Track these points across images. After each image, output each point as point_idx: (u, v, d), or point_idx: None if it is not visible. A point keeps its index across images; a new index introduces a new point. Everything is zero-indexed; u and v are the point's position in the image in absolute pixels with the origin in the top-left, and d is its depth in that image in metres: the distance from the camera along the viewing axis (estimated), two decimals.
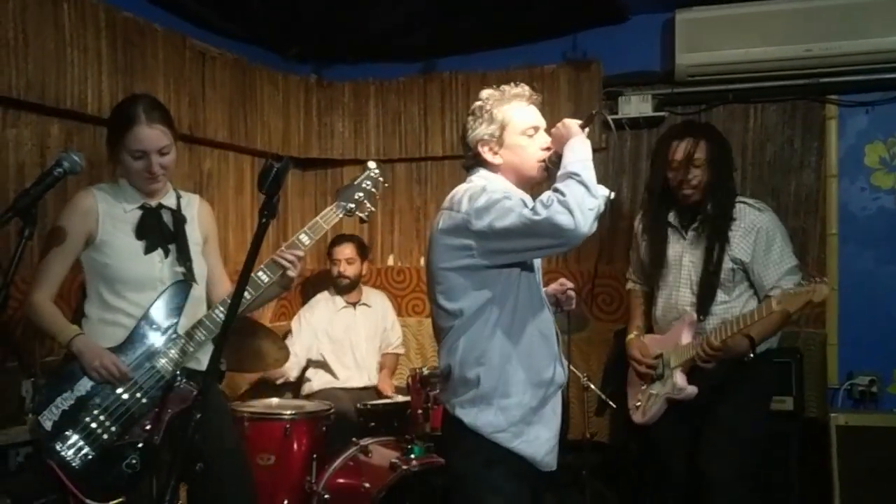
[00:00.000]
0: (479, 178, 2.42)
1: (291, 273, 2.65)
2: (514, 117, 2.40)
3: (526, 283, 2.37)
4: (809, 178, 4.21)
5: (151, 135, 2.55)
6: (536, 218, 2.17)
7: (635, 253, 3.48)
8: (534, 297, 2.39)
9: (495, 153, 2.41)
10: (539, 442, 2.33)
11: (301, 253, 2.66)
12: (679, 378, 3.09)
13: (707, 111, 4.34)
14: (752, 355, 2.97)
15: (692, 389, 3.07)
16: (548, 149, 2.42)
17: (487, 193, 2.28)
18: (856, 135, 4.15)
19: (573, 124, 2.37)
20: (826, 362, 4.12)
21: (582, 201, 2.16)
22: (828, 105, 4.17)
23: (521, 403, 2.30)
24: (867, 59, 3.93)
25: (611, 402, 3.76)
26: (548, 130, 2.45)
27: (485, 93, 2.45)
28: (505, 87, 2.43)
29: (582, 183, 2.19)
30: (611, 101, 4.45)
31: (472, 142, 2.42)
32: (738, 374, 3.06)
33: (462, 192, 2.36)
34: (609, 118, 2.70)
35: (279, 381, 4.31)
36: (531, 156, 2.42)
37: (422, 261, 4.92)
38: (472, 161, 2.47)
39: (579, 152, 2.29)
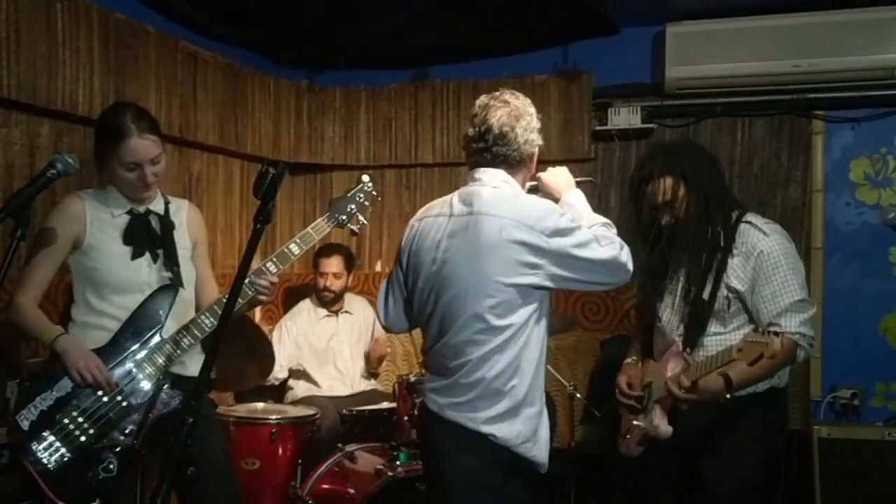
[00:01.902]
0: (510, 183, 2.37)
1: (263, 298, 2.63)
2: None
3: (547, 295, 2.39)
4: (795, 192, 4.26)
5: (144, 146, 2.54)
6: (622, 259, 2.30)
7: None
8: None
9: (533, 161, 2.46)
10: (542, 446, 2.34)
11: (275, 279, 2.64)
12: (657, 415, 2.73)
13: (695, 124, 4.39)
14: (728, 397, 2.57)
15: (666, 430, 2.70)
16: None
17: (557, 212, 2.30)
18: (842, 150, 4.21)
19: (570, 176, 2.54)
20: (809, 375, 4.16)
21: None
22: (814, 120, 4.23)
23: (538, 411, 2.33)
24: (854, 76, 3.99)
25: (596, 412, 3.78)
26: (537, 173, 2.55)
27: (530, 104, 2.42)
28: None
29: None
30: (600, 112, 4.50)
31: (531, 142, 2.38)
32: (724, 420, 2.65)
33: (528, 205, 2.31)
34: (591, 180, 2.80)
35: (268, 383, 4.28)
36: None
37: None
38: (512, 156, 2.37)
39: (587, 205, 2.47)
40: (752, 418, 2.66)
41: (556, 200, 2.48)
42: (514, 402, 2.26)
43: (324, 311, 4.50)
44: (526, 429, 2.27)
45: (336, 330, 4.49)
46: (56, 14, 3.30)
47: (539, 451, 2.31)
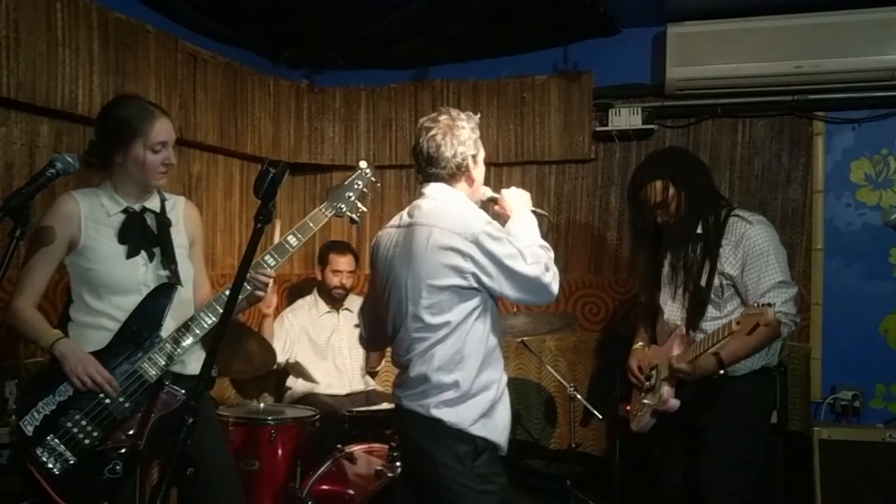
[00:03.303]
0: (450, 195, 2.57)
1: (260, 294, 2.66)
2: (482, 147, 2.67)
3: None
4: (796, 193, 4.25)
5: (168, 125, 2.61)
6: (545, 281, 2.44)
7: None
8: (496, 305, 2.60)
9: (473, 170, 2.63)
10: (499, 430, 2.52)
11: (273, 273, 2.67)
12: (665, 390, 3.07)
13: (696, 125, 4.38)
14: (721, 373, 2.92)
15: (674, 403, 3.05)
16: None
17: (491, 225, 2.48)
18: (842, 151, 4.20)
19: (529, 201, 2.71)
20: (810, 376, 4.15)
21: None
22: (815, 121, 4.21)
23: (488, 398, 2.50)
24: (855, 77, 3.98)
25: (596, 413, 3.77)
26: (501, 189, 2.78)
27: (468, 117, 2.61)
28: (473, 116, 2.64)
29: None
30: (601, 113, 4.49)
31: (461, 154, 2.57)
32: (724, 392, 3.00)
33: (457, 214, 2.50)
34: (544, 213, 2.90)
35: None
36: (481, 184, 2.70)
37: None
38: (443, 172, 2.58)
39: (535, 227, 2.62)
40: (751, 389, 3.04)
41: (508, 218, 2.68)
42: (460, 393, 2.46)
43: (325, 307, 4.50)
44: (472, 412, 2.46)
45: (337, 325, 4.49)
46: (55, 13, 3.29)
47: (490, 431, 2.49)
